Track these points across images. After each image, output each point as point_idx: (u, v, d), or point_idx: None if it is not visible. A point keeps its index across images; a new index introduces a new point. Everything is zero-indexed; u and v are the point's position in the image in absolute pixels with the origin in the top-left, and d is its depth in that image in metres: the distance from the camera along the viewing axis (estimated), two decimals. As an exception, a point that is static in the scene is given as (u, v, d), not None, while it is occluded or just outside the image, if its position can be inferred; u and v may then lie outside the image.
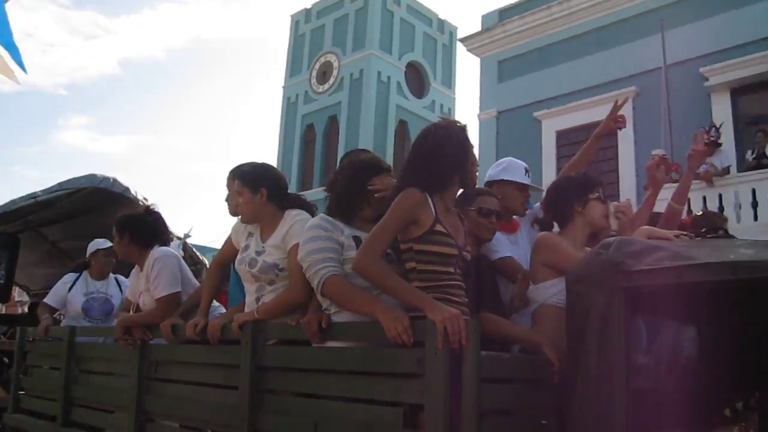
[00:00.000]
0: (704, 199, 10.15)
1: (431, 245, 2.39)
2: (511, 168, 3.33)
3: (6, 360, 6.09)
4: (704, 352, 2.56)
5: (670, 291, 2.10)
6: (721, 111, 11.89)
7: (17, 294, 10.80)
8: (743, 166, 10.86)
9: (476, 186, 2.90)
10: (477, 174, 2.68)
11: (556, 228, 2.98)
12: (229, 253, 3.23)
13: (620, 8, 13.75)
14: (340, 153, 22.23)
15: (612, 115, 3.52)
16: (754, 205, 9.86)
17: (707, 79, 12.15)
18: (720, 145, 10.59)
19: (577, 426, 2.13)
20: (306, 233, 2.61)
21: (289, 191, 3.13)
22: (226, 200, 3.48)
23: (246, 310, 3.02)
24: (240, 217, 3.09)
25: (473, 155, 2.66)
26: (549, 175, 12.99)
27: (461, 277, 2.45)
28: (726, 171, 10.38)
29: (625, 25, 13.53)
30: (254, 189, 2.98)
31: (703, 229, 3.49)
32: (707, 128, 10.59)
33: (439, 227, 2.40)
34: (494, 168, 3.40)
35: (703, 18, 12.33)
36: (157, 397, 3.46)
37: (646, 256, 2.11)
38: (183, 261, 3.80)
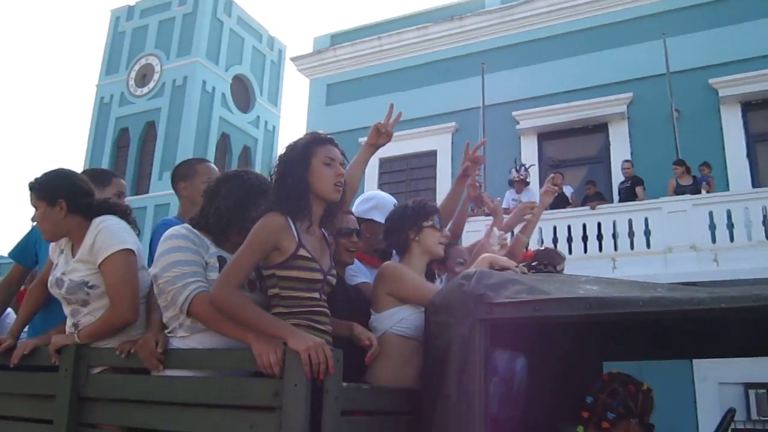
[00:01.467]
0: (512, 234, 10.96)
1: (294, 270, 2.28)
2: (381, 207, 3.22)
3: None
4: (550, 381, 2.72)
5: (527, 323, 2.18)
6: (529, 153, 12.98)
7: None
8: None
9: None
10: (341, 188, 2.53)
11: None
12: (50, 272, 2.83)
13: (446, 47, 14.56)
14: (157, 161, 21.10)
15: (466, 156, 3.49)
16: (554, 240, 10.82)
17: (518, 123, 13.22)
18: (528, 183, 11.54)
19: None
20: (169, 242, 2.35)
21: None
22: (32, 219, 3.07)
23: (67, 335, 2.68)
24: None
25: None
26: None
27: (326, 304, 2.36)
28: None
29: (449, 64, 14.33)
30: (52, 202, 2.62)
31: (535, 263, 3.72)
32: (517, 167, 11.52)
33: (302, 251, 2.29)
34: (363, 203, 3.30)
35: (520, 66, 13.44)
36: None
37: (505, 289, 2.18)
38: None
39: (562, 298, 2.08)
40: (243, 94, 24.23)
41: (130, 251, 2.53)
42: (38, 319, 3.02)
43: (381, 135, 3.00)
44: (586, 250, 10.58)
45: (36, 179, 2.71)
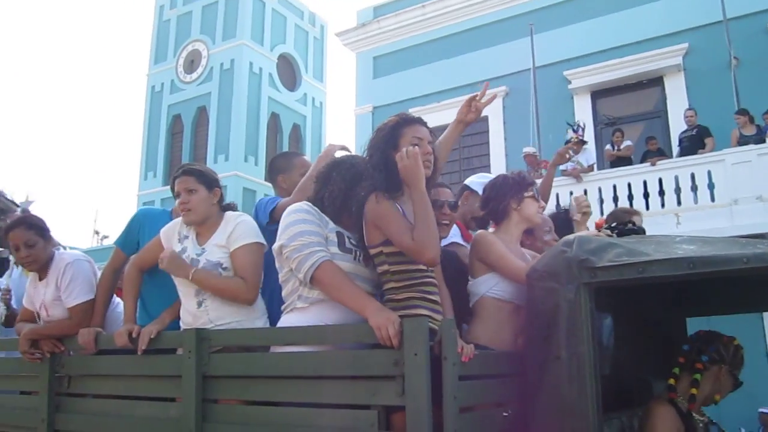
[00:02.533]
0: (570, 194, 10.89)
1: None
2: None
3: None
4: (639, 338, 2.80)
5: (629, 286, 2.26)
6: (583, 111, 12.80)
7: None
8: (604, 163, 11.76)
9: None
10: (432, 167, 2.61)
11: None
12: (153, 257, 3.04)
13: (492, 10, 14.36)
14: (210, 145, 21.52)
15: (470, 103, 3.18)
16: (615, 199, 10.71)
17: (570, 82, 13.01)
18: (586, 143, 11.40)
19: (549, 415, 2.23)
20: (294, 215, 2.52)
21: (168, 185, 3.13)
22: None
23: (184, 314, 2.88)
24: (184, 216, 2.93)
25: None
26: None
27: (433, 274, 2.49)
28: (591, 168, 11.20)
29: (496, 27, 14.15)
30: (210, 187, 2.94)
31: (614, 224, 3.76)
32: (574, 128, 11.38)
33: None
34: (479, 177, 3.42)
35: (569, 24, 13.19)
36: (73, 414, 3.19)
37: (606, 253, 2.25)
38: (95, 264, 3.53)
39: (665, 259, 2.14)
40: (289, 72, 24.39)
41: (262, 246, 2.86)
42: (150, 300, 3.23)
43: (470, 111, 3.06)
44: (648, 207, 10.42)
45: (193, 166, 3.03)
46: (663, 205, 10.40)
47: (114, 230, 28.34)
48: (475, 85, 13.92)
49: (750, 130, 10.43)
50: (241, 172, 20.70)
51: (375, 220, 2.40)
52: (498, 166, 13.43)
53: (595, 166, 11.41)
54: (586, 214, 3.09)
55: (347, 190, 2.59)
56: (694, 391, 2.63)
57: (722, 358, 2.70)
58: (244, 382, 2.59)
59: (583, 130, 11.25)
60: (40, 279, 3.43)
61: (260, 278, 2.86)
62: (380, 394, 2.19)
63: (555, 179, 11.36)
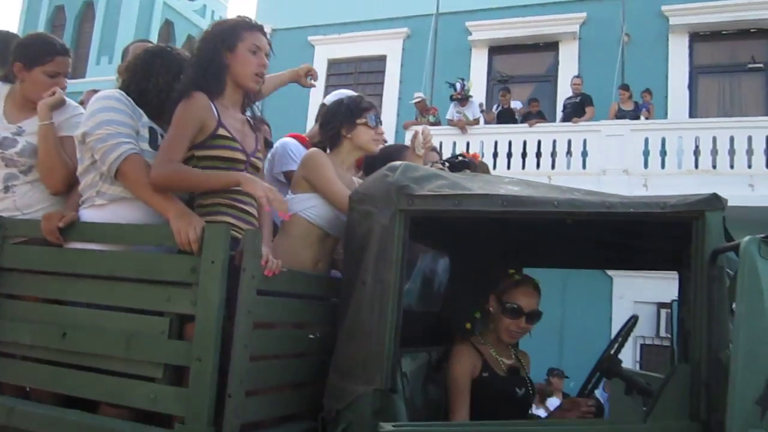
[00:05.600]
0: (454, 144, 11.03)
1: (213, 150, 2.27)
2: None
3: None
4: (458, 276, 2.80)
5: (449, 220, 2.23)
6: (479, 65, 12.89)
7: None
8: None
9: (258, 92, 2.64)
10: (262, 80, 2.49)
11: None
12: None
13: (402, -52, 14.03)
14: (95, 44, 19.98)
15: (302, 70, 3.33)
16: (495, 155, 10.95)
17: (471, 33, 13.02)
18: (470, 97, 11.51)
19: (348, 338, 2.19)
20: (103, 101, 2.29)
21: None
22: None
23: None
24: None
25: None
26: (315, 102, 13.06)
27: None
28: (476, 121, 11.35)
29: (404, -34, 13.85)
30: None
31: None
32: (454, 85, 11.46)
33: (221, 131, 2.29)
34: (335, 95, 3.19)
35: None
36: None
37: (429, 183, 2.21)
38: None
39: (480, 193, 2.13)
40: (189, -20, 22.94)
41: None
42: None
43: (302, 78, 3.23)
44: (524, 167, 10.76)
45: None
46: (538, 167, 10.74)
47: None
48: (378, 22, 13.73)
49: (628, 106, 10.91)
50: (124, 78, 19.44)
51: (175, 121, 2.24)
52: (391, 107, 13.35)
53: (481, 120, 11.57)
54: (428, 148, 3.02)
55: (173, 82, 2.39)
56: (468, 325, 2.69)
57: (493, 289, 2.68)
58: (37, 277, 2.38)
59: (463, 87, 11.37)
60: None
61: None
62: (174, 301, 2.07)
63: (440, 128, 11.48)
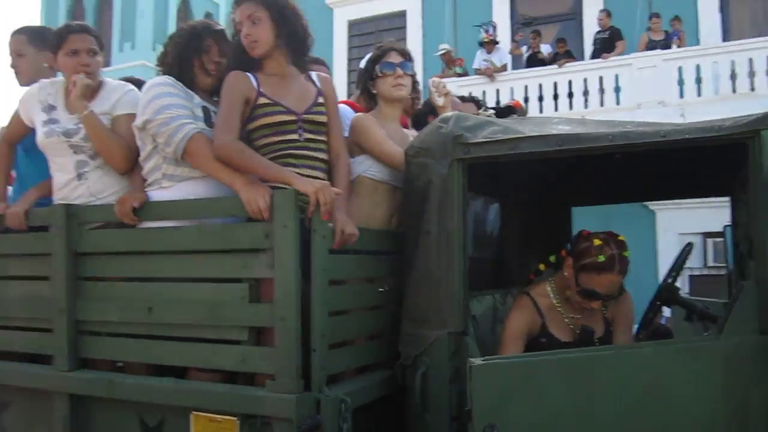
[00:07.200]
0: (483, 93, 10.93)
1: (257, 120, 2.38)
2: None
3: None
4: (522, 224, 2.86)
5: (503, 165, 2.28)
6: (501, 9, 12.65)
7: None
8: (520, 64, 11.79)
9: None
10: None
11: None
12: (19, 131, 2.84)
13: None
14: (116, 33, 20.13)
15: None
16: (526, 99, 10.83)
17: (488, -22, 12.75)
18: (497, 43, 11.35)
19: (418, 287, 2.28)
20: (157, 88, 2.38)
21: None
22: (13, 66, 3.05)
23: (60, 189, 2.71)
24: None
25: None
26: (340, 66, 13.03)
27: (312, 144, 2.44)
28: (504, 67, 11.21)
29: None
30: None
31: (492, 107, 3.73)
32: (485, 28, 11.28)
33: (261, 100, 2.37)
34: None
35: None
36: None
37: (482, 130, 2.25)
38: None
39: (535, 135, 2.16)
40: (201, -45, 22.79)
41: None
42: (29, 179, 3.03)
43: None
44: (557, 109, 10.63)
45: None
46: (571, 107, 10.61)
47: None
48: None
49: (659, 36, 10.64)
50: (148, 62, 19.55)
51: (221, 99, 2.36)
52: (416, 62, 13.14)
53: (509, 65, 11.42)
54: (448, 95, 3.02)
55: (182, 56, 2.51)
56: (531, 275, 2.66)
57: (571, 252, 2.47)
58: (117, 258, 2.51)
59: (494, 29, 11.18)
60: None
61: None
62: (251, 267, 2.17)
63: (469, 78, 11.34)
